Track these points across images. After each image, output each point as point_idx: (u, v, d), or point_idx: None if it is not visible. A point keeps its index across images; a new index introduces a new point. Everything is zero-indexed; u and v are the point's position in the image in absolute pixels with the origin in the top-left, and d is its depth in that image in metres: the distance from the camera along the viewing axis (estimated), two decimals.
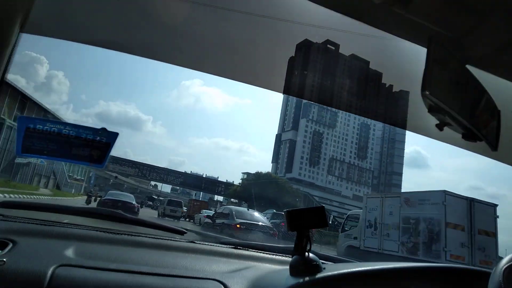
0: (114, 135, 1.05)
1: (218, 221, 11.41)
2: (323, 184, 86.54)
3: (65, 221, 1.22)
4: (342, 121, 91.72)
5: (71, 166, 41.27)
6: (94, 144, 1.04)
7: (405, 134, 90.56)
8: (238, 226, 10.00)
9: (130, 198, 14.12)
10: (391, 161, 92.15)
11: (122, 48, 1.08)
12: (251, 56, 1.21)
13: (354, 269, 0.94)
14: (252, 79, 1.19)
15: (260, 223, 10.72)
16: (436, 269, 1.00)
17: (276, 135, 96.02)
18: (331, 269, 0.95)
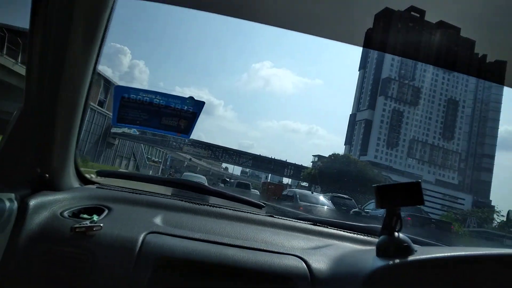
0: (201, 104, 1.07)
1: (283, 203, 11.49)
2: (402, 167, 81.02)
3: (154, 191, 1.30)
4: (426, 98, 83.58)
5: (149, 148, 45.04)
6: (182, 114, 1.07)
7: (499, 111, 79.20)
8: (301, 208, 10.05)
9: (203, 180, 15.21)
10: (482, 142, 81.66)
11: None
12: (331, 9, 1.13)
13: (451, 254, 0.83)
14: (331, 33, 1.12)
15: (325, 207, 10.57)
16: None
17: (350, 115, 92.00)
18: (423, 252, 0.85)
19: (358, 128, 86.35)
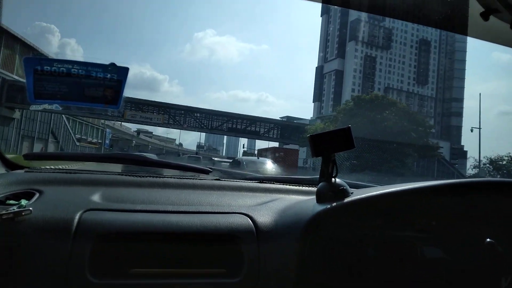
0: (125, 70, 1.09)
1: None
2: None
3: (91, 169, 1.33)
4: (398, 40, 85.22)
5: (77, 124, 39.17)
6: (106, 83, 1.10)
7: (465, 52, 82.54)
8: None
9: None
10: (450, 86, 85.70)
11: None
12: None
13: (384, 191, 0.97)
14: None
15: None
16: (472, 184, 1.03)
17: (316, 67, 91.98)
18: (359, 193, 0.99)
19: (328, 81, 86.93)
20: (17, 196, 1.01)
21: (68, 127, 37.99)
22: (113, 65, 1.08)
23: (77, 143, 38.47)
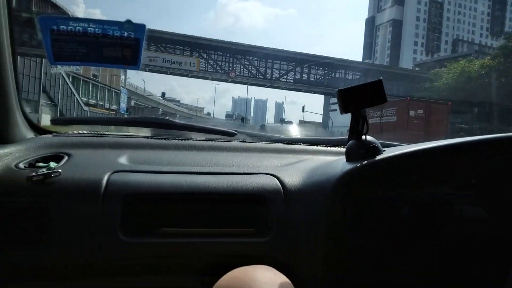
0: (142, 28, 1.12)
1: None
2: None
3: (117, 133, 1.42)
4: None
5: (81, 84, 34.61)
6: (124, 42, 1.13)
7: None
8: None
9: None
10: None
11: None
12: None
13: (417, 148, 0.98)
14: None
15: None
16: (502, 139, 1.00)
17: (366, 19, 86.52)
18: (391, 151, 0.99)
19: (383, 34, 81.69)
20: (46, 160, 1.09)
21: (70, 86, 32.91)
22: (129, 22, 1.11)
23: (85, 108, 34.63)
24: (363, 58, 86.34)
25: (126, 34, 1.11)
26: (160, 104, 58.42)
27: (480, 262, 1.00)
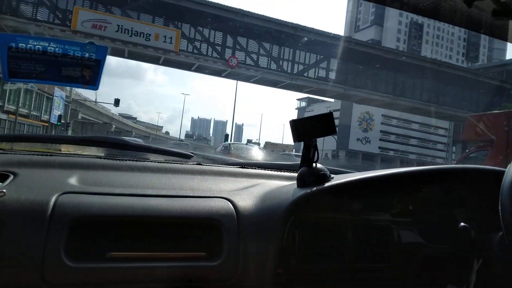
0: (104, 50, 1.17)
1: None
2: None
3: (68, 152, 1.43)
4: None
5: (15, 92, 27.32)
6: (84, 62, 1.18)
7: None
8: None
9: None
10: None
11: None
12: None
13: (362, 176, 1.11)
14: None
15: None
16: (447, 170, 1.20)
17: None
18: (339, 179, 1.12)
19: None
20: None
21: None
22: (91, 43, 1.16)
23: (2, 116, 28.03)
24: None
25: (87, 55, 1.17)
26: (114, 120, 54.57)
27: (418, 282, 1.13)
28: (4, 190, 0.96)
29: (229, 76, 32.20)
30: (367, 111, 52.18)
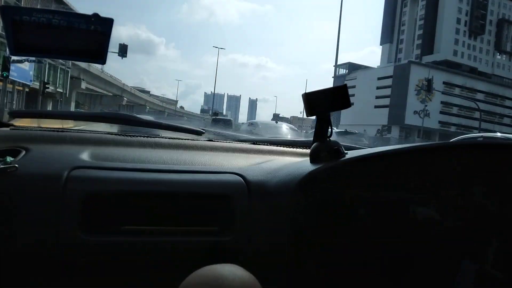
0: (109, 22, 1.18)
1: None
2: (489, 69, 74.71)
3: (79, 127, 1.50)
4: None
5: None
6: (90, 36, 1.20)
7: None
8: None
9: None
10: None
11: None
12: None
13: (377, 151, 1.13)
14: None
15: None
16: (462, 144, 1.18)
17: None
18: (353, 154, 1.15)
19: (411, 9, 73.36)
20: (2, 154, 1.12)
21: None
22: (96, 15, 1.18)
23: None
24: (381, 43, 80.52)
25: (92, 27, 1.18)
26: (125, 91, 51.12)
27: (432, 258, 1.13)
28: (16, 165, 1.02)
29: None
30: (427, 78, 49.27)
